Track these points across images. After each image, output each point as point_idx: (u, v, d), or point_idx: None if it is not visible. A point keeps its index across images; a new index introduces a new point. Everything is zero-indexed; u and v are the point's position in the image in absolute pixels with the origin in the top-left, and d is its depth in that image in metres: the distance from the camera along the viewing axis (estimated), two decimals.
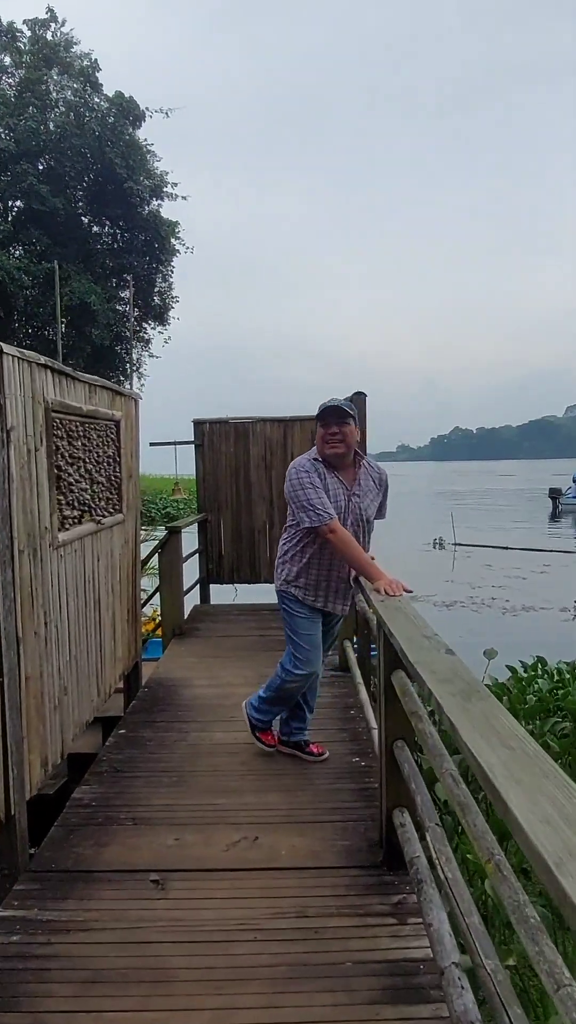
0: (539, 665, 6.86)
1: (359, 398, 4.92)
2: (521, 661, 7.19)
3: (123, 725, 4.23)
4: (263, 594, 8.45)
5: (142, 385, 24.66)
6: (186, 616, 6.99)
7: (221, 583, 7.69)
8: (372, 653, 4.35)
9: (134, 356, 24.27)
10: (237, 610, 7.31)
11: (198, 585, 7.57)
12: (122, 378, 24.57)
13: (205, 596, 7.68)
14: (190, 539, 7.56)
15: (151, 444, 7.61)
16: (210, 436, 7.50)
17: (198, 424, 7.53)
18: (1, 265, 21.01)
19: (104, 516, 3.89)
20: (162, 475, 26.32)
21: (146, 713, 4.43)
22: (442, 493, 48.82)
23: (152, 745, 3.94)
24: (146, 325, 24.60)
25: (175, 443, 7.52)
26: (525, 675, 6.84)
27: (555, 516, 32.68)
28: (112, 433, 4.19)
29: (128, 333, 21.96)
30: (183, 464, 8.11)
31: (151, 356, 24.97)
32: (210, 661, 5.50)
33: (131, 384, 24.54)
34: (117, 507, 4.26)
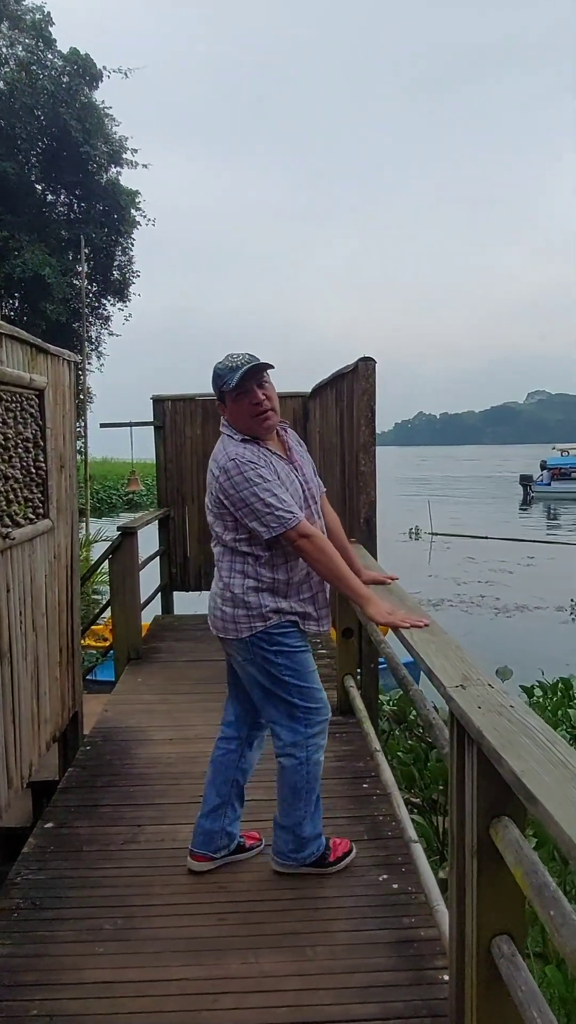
0: (564, 688, 5.82)
1: (368, 365, 3.75)
2: (539, 682, 6.14)
3: (51, 814, 3.02)
4: None
5: (101, 365, 23.12)
6: (145, 632, 5.78)
7: (187, 590, 6.48)
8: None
9: (92, 333, 22.71)
10: (206, 623, 6.11)
11: (159, 593, 6.35)
12: (80, 357, 22.98)
13: (168, 606, 6.46)
14: (150, 538, 6.33)
15: (101, 425, 6.36)
16: (172, 416, 6.25)
17: (158, 402, 6.28)
18: None
19: (14, 527, 2.65)
20: (122, 459, 24.66)
21: (86, 789, 3.23)
22: (410, 480, 48.09)
23: (90, 851, 2.73)
24: (105, 301, 23.01)
25: (130, 424, 6.27)
26: (547, 699, 5.80)
27: (526, 503, 32.06)
28: (32, 407, 2.95)
29: (83, 308, 20.37)
30: (142, 449, 6.86)
31: (111, 334, 23.36)
32: (173, 700, 4.30)
33: (89, 364, 22.97)
34: (41, 510, 3.03)
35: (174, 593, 6.45)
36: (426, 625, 2.18)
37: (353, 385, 3.97)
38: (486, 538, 18.86)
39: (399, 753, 4.57)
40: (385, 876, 2.53)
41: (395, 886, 2.47)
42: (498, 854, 1.46)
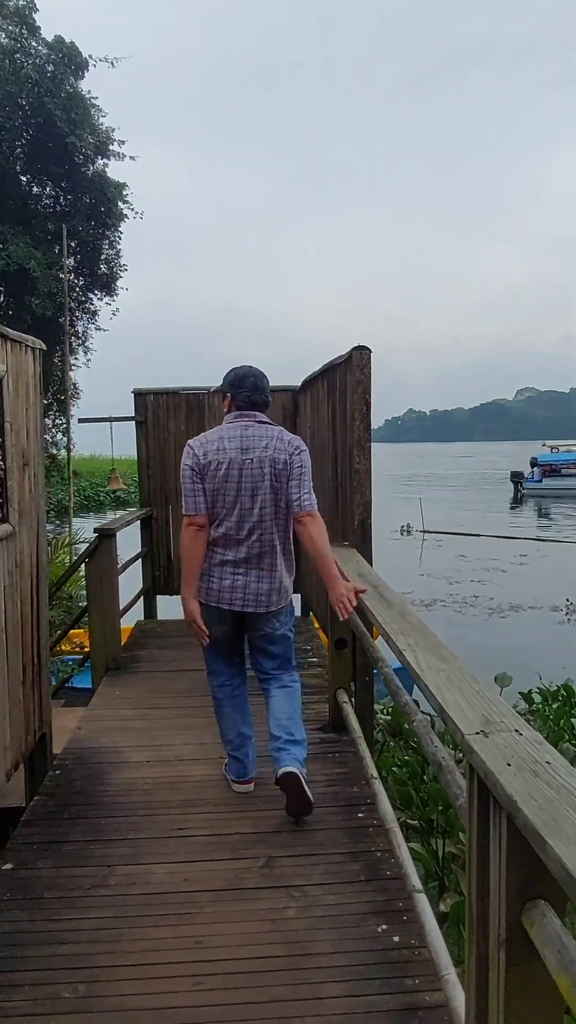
0: (567, 694, 5.55)
1: (363, 354, 3.45)
2: (539, 688, 5.87)
3: (11, 852, 2.70)
4: None
5: (88, 360, 22.70)
6: (126, 638, 5.47)
7: (171, 594, 6.16)
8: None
9: (79, 328, 22.31)
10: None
11: (142, 597, 6.04)
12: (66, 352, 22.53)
13: (150, 610, 6.15)
14: (131, 540, 6.01)
15: (80, 421, 6.03)
16: (155, 411, 5.93)
17: (140, 395, 5.95)
18: None
19: None
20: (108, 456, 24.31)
21: (52, 821, 2.91)
22: (401, 476, 47.87)
23: (52, 898, 2.42)
24: (92, 295, 22.59)
25: (110, 419, 5.94)
26: (547, 705, 5.53)
27: (517, 500, 31.87)
28: None
29: (69, 301, 19.95)
30: (128, 446, 6.53)
31: (97, 329, 22.94)
32: (153, 716, 3.99)
33: (75, 359, 22.55)
34: (0, 514, 2.71)
35: (157, 597, 6.13)
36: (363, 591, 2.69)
37: (346, 376, 3.68)
38: (478, 535, 18.63)
39: (394, 769, 4.28)
40: (384, 927, 2.24)
41: (396, 939, 2.18)
42: (533, 948, 1.17)
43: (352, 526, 3.67)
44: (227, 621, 2.85)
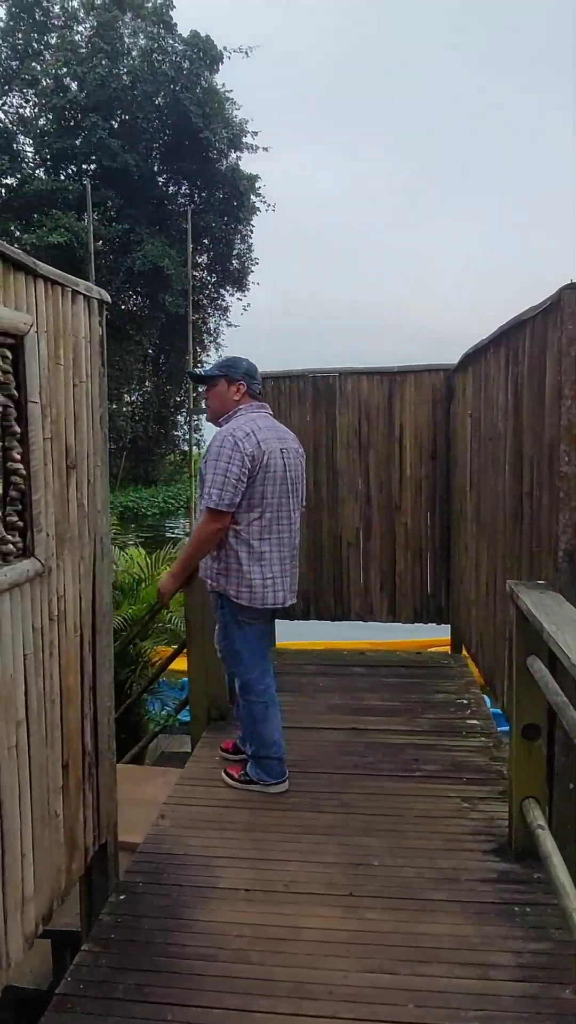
0: None
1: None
2: None
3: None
4: (352, 636, 5.81)
5: (220, 357, 22.30)
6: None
7: (291, 618, 5.10)
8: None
9: (211, 325, 21.92)
10: (314, 663, 4.70)
11: None
12: (199, 349, 22.25)
13: None
14: None
15: (191, 412, 5.09)
16: (275, 398, 4.87)
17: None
18: (70, 227, 18.94)
19: None
20: None
21: (97, 999, 1.90)
22: None
23: None
24: (223, 291, 22.15)
25: None
26: None
27: None
28: None
29: (200, 297, 19.59)
30: None
31: (229, 325, 22.48)
32: (260, 802, 2.92)
33: (208, 356, 22.21)
34: (16, 543, 1.72)
35: (276, 623, 5.08)
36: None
37: (547, 334, 2.40)
38: None
39: None
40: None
41: None
42: None
43: (553, 557, 2.40)
44: (269, 619, 2.90)
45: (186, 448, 21.50)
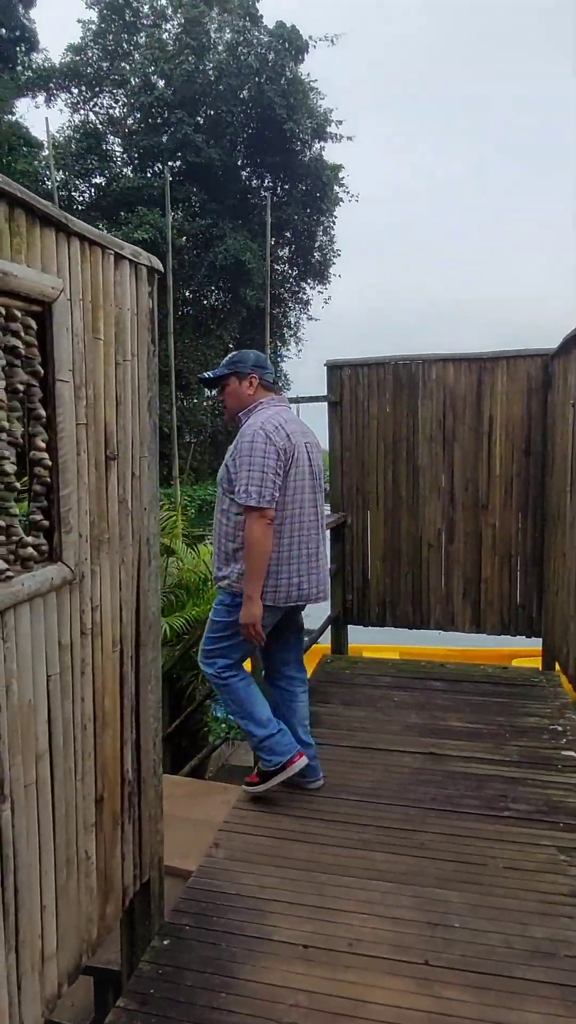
0: None
1: None
2: None
3: None
4: (430, 640, 5.40)
5: (299, 351, 22.05)
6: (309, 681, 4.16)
7: (365, 624, 4.76)
8: None
9: (291, 319, 21.70)
10: (389, 675, 4.33)
11: (329, 627, 4.69)
12: (279, 343, 22.08)
13: (339, 643, 4.78)
14: None
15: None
16: (352, 388, 4.52)
17: (334, 369, 4.58)
18: (155, 224, 19.11)
19: None
20: None
21: None
22: None
23: None
24: (304, 284, 21.85)
25: (296, 400, 4.64)
26: None
27: None
28: (14, 336, 1.38)
29: (281, 291, 19.35)
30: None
31: (309, 319, 22.17)
32: (324, 838, 2.58)
33: (287, 350, 22.02)
34: (41, 546, 1.47)
35: (348, 627, 4.75)
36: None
37: None
38: None
39: None
40: None
41: None
42: None
43: None
44: (277, 617, 2.71)
45: None
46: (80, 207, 20.27)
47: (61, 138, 20.36)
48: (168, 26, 20.92)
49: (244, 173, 22.04)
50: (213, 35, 20.65)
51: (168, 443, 12.98)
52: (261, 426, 2.53)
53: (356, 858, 2.48)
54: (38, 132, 20.68)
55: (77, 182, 20.06)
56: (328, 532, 4.32)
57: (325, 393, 4.67)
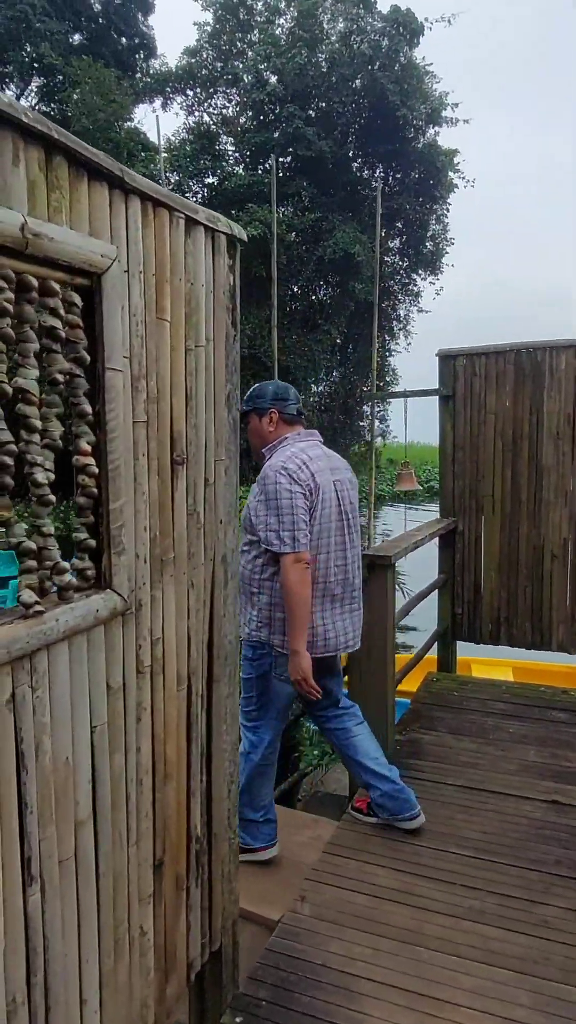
0: None
1: None
2: None
3: None
4: (548, 661, 4.84)
5: (408, 344, 21.37)
6: (412, 697, 3.80)
7: (476, 641, 4.29)
8: None
9: (400, 312, 21.06)
10: (504, 700, 3.85)
11: (436, 642, 4.27)
12: (387, 337, 21.50)
13: (447, 660, 4.34)
14: (424, 560, 4.30)
15: (370, 396, 4.44)
16: (468, 379, 4.07)
17: (447, 359, 4.14)
18: (264, 220, 19.07)
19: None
20: (429, 444, 22.13)
21: None
22: None
23: None
24: (415, 276, 21.12)
25: (404, 393, 4.24)
26: None
27: None
28: (55, 316, 1.11)
29: (392, 284, 18.72)
30: (422, 431, 4.82)
31: (420, 311, 21.42)
32: (427, 899, 2.21)
33: (396, 344, 21.40)
34: (88, 571, 1.21)
35: (457, 643, 4.30)
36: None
37: None
38: None
39: None
40: None
41: None
42: None
43: None
44: (320, 669, 2.45)
45: (370, 438, 20.95)
46: None
47: (176, 141, 20.73)
48: (281, 21, 20.80)
49: (355, 164, 21.60)
50: (326, 26, 20.32)
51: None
52: (283, 465, 2.35)
53: (464, 931, 2.09)
54: (155, 136, 21.16)
55: (190, 183, 20.34)
56: (436, 541, 3.90)
57: (436, 386, 4.24)
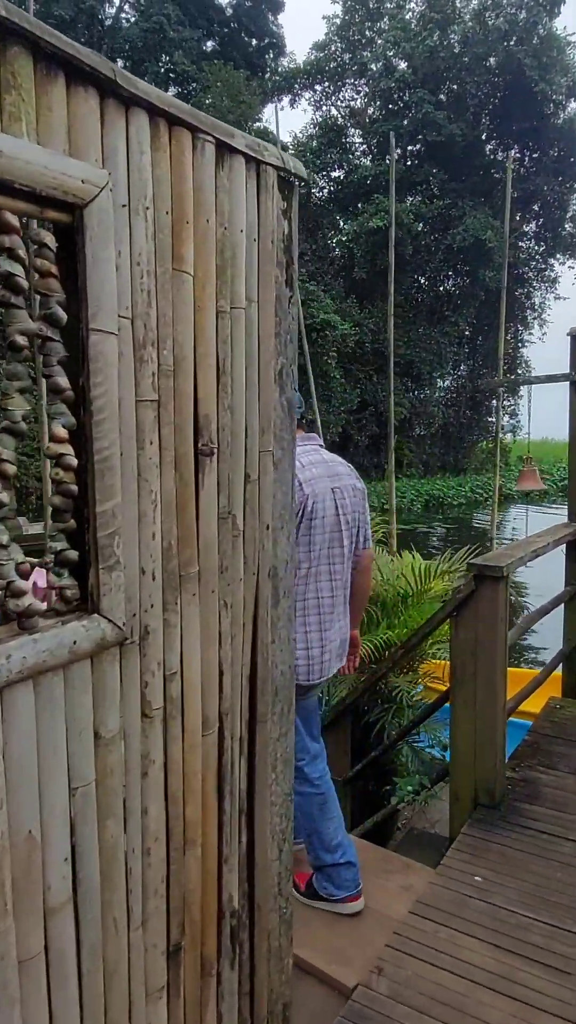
0: None
1: None
2: None
3: None
4: None
5: (544, 334, 20.01)
6: (532, 725, 3.32)
7: None
8: None
9: (535, 299, 19.77)
10: None
11: (562, 662, 3.71)
12: (521, 327, 20.25)
13: (573, 684, 3.76)
14: (549, 569, 3.77)
15: (484, 385, 3.95)
16: None
17: None
18: (388, 210, 18.55)
19: None
20: (558, 440, 20.68)
21: None
22: None
23: None
24: (552, 260, 19.71)
25: (528, 380, 3.71)
26: None
27: None
28: (13, 264, 0.85)
29: (526, 271, 17.55)
30: (550, 424, 4.24)
31: (557, 298, 19.96)
32: (533, 993, 1.79)
33: (530, 334, 20.15)
34: (69, 591, 0.93)
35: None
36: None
37: None
38: None
39: None
40: None
41: None
42: None
43: None
44: (311, 698, 2.23)
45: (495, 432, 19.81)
46: (318, 201, 20.31)
47: (303, 137, 20.58)
48: (411, 5, 20.10)
49: (488, 147, 20.53)
50: (458, 4, 19.41)
51: (385, 433, 12.33)
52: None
53: None
54: (283, 134, 21.16)
55: (316, 177, 20.14)
56: (564, 547, 3.37)
57: (567, 371, 3.67)
